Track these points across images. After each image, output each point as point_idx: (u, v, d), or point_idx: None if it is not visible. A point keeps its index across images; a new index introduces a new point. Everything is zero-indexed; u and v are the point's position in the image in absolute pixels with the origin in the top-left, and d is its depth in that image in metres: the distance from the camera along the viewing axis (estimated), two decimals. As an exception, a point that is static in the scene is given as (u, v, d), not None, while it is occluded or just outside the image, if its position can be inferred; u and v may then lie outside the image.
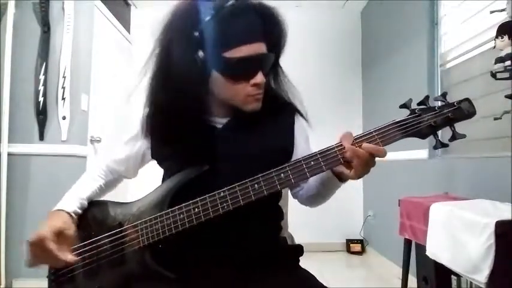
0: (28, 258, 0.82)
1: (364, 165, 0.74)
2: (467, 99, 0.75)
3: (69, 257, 0.82)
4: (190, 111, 0.84)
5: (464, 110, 0.74)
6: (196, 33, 0.79)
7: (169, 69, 0.83)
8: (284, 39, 0.89)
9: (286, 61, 0.94)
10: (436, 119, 0.74)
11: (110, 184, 1.04)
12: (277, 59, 0.92)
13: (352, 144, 0.75)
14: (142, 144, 0.97)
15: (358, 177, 0.77)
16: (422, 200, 1.77)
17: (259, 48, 0.82)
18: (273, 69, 0.92)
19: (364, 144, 0.74)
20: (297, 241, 1.08)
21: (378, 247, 3.34)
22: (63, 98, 2.47)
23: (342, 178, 0.82)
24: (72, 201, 0.91)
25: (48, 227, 0.82)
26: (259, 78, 0.83)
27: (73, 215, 0.89)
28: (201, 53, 0.80)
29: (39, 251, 0.81)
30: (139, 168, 1.04)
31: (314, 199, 0.95)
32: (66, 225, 0.85)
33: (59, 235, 0.83)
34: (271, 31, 0.85)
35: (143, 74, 0.89)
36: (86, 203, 0.93)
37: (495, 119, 1.59)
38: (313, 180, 0.92)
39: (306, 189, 0.96)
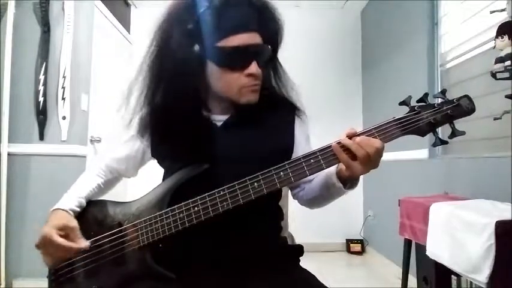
0: (44, 260, 0.83)
1: (366, 157, 0.73)
2: (466, 96, 0.74)
3: (81, 243, 0.83)
4: (189, 107, 0.84)
5: (463, 107, 0.74)
6: (191, 26, 0.80)
7: (166, 63, 0.84)
8: (280, 32, 0.88)
9: (286, 61, 0.94)
10: (436, 116, 0.74)
11: (109, 183, 1.04)
12: (275, 53, 0.91)
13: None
14: (142, 143, 0.97)
15: (354, 172, 0.76)
16: (422, 200, 1.77)
17: (253, 38, 0.82)
18: (272, 65, 0.92)
19: (358, 138, 0.74)
20: (297, 241, 1.07)
21: (377, 247, 3.34)
22: (63, 98, 2.47)
23: (346, 183, 0.82)
24: (70, 199, 0.91)
25: (47, 227, 0.83)
26: (254, 68, 0.82)
27: (71, 212, 0.89)
28: (196, 46, 0.81)
29: (50, 249, 0.81)
30: (139, 168, 1.04)
31: (315, 202, 0.95)
32: (66, 220, 0.85)
33: (63, 230, 0.83)
34: (267, 23, 0.85)
35: (140, 72, 0.89)
36: (84, 201, 0.93)
37: (495, 119, 1.59)
38: (316, 183, 0.92)
39: (308, 191, 0.95)
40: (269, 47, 0.87)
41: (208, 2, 0.80)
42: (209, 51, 0.82)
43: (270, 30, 0.87)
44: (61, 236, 0.82)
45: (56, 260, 0.85)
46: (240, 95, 0.85)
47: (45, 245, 0.81)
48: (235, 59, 0.82)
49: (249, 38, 0.81)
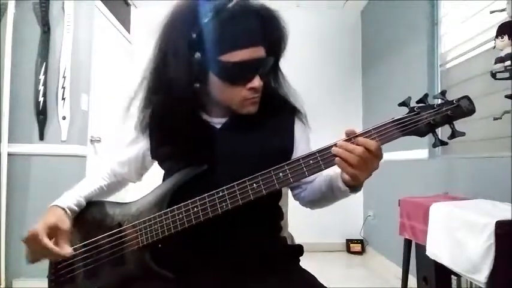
0: (27, 255, 0.83)
1: (360, 161, 0.72)
2: (466, 97, 0.74)
3: (65, 250, 0.82)
4: (188, 110, 0.84)
5: (463, 108, 0.73)
6: (194, 35, 0.79)
7: (168, 70, 0.83)
8: (284, 42, 0.88)
9: (286, 61, 0.94)
10: (435, 117, 0.74)
11: (112, 187, 1.03)
12: (277, 62, 0.91)
13: (346, 141, 0.74)
14: (142, 146, 0.97)
15: (357, 178, 0.75)
16: (422, 200, 1.77)
17: (256, 52, 0.81)
18: (273, 72, 0.92)
19: (358, 139, 0.73)
20: (297, 241, 1.07)
21: (377, 247, 3.33)
22: (63, 98, 2.47)
23: (350, 186, 0.81)
24: (69, 197, 0.91)
25: (40, 223, 0.82)
26: (256, 82, 0.82)
27: (67, 210, 0.88)
28: (198, 55, 0.80)
29: (35, 247, 0.81)
30: (142, 172, 1.04)
31: (318, 203, 0.95)
32: (59, 220, 0.84)
33: (53, 230, 0.83)
34: (271, 34, 0.84)
35: (144, 75, 0.89)
36: (83, 201, 0.93)
37: (495, 119, 1.59)
38: (319, 184, 0.92)
39: (309, 191, 0.95)
40: (272, 58, 0.86)
41: (213, 12, 0.78)
42: (211, 64, 0.80)
43: (274, 40, 0.86)
44: (50, 235, 0.82)
45: (38, 259, 0.84)
46: (241, 106, 0.86)
47: (31, 242, 0.81)
48: (238, 74, 0.81)
49: (252, 53, 0.80)
